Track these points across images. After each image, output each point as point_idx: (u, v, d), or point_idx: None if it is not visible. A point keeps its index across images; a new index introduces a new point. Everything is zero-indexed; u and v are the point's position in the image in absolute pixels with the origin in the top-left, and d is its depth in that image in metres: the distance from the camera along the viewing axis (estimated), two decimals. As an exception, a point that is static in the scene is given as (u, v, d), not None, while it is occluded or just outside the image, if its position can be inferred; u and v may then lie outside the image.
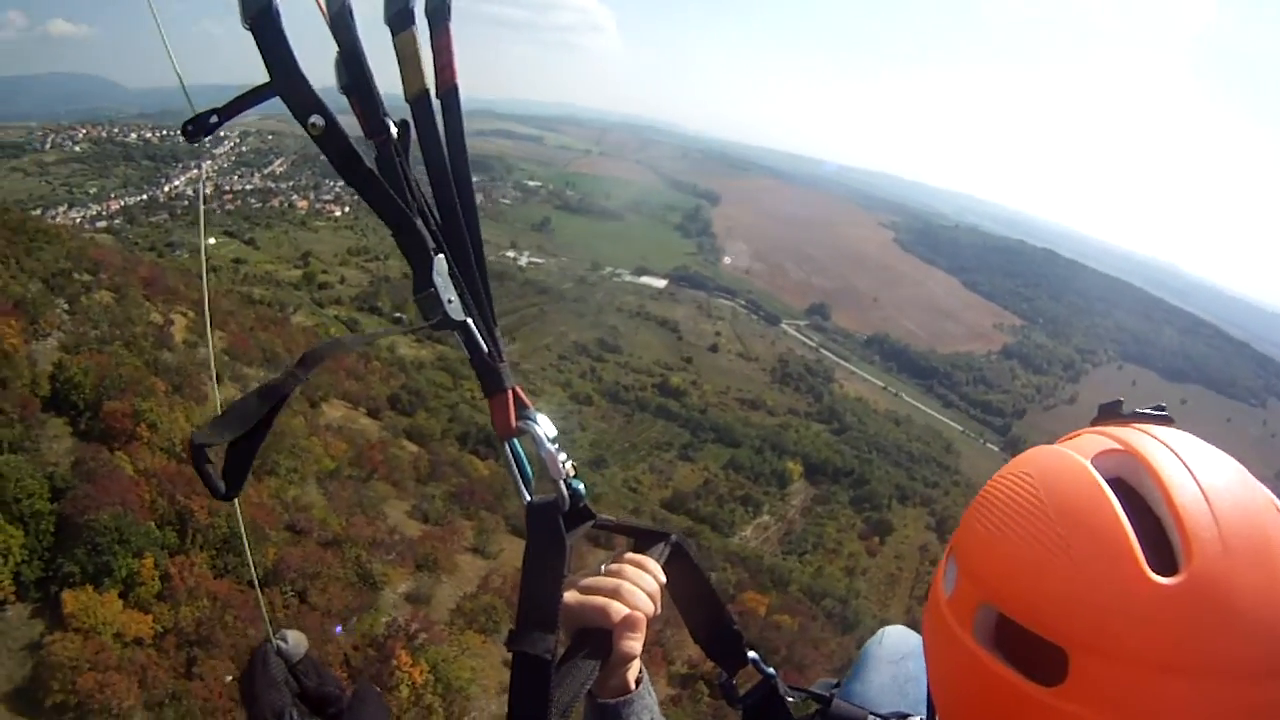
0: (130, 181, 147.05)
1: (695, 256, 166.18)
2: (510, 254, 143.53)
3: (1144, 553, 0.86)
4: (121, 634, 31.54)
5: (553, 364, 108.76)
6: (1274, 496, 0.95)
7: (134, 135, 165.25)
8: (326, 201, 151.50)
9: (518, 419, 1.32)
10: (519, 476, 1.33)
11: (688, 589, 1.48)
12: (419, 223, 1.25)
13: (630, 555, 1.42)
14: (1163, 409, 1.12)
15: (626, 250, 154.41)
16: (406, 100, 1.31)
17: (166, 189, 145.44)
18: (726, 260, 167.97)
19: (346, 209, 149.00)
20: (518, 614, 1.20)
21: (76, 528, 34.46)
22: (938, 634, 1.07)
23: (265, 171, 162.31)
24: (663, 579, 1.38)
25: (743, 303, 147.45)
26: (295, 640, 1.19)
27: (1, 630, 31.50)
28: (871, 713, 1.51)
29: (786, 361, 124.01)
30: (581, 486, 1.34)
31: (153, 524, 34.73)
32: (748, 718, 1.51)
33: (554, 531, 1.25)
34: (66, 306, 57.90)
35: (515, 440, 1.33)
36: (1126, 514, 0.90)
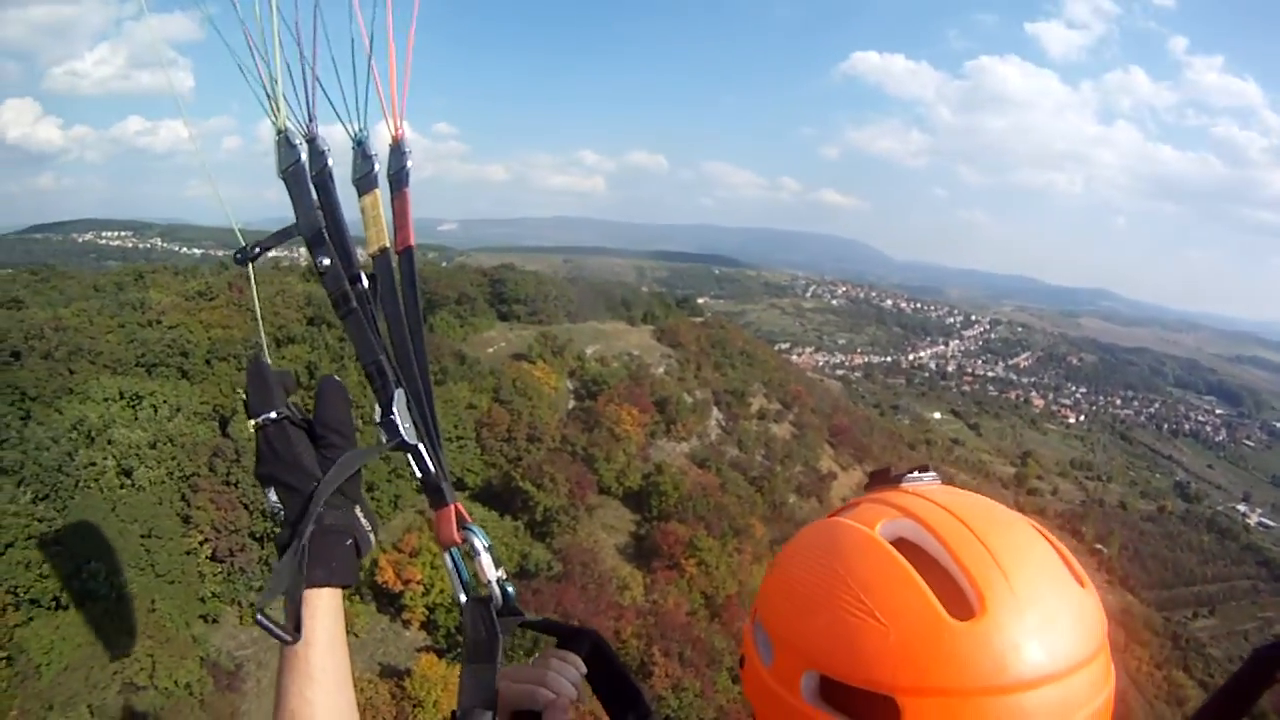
0: (877, 342, 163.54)
1: None
2: (1241, 508, 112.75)
3: (941, 603, 1.02)
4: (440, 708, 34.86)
5: (1242, 655, 76.17)
6: (1023, 517, 1.16)
7: (889, 301, 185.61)
8: (1064, 405, 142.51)
9: (459, 530, 1.48)
10: (458, 580, 1.49)
11: (607, 682, 1.59)
12: (384, 359, 1.41)
13: (553, 649, 1.55)
14: (926, 469, 1.29)
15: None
16: (369, 254, 1.45)
17: (910, 357, 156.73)
18: None
19: (1082, 417, 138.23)
20: (460, 696, 1.36)
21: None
22: (766, 700, 1.18)
23: (1010, 362, 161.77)
24: (584, 669, 1.50)
25: None
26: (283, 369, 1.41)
27: (384, 639, 37.64)
28: None
29: None
30: (511, 589, 1.51)
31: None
32: None
33: (489, 623, 1.44)
34: (722, 421, 58.91)
35: (455, 550, 1.50)
36: (918, 572, 1.04)
